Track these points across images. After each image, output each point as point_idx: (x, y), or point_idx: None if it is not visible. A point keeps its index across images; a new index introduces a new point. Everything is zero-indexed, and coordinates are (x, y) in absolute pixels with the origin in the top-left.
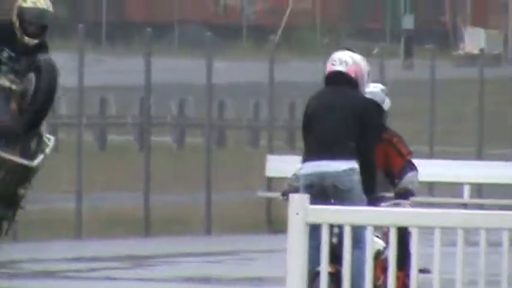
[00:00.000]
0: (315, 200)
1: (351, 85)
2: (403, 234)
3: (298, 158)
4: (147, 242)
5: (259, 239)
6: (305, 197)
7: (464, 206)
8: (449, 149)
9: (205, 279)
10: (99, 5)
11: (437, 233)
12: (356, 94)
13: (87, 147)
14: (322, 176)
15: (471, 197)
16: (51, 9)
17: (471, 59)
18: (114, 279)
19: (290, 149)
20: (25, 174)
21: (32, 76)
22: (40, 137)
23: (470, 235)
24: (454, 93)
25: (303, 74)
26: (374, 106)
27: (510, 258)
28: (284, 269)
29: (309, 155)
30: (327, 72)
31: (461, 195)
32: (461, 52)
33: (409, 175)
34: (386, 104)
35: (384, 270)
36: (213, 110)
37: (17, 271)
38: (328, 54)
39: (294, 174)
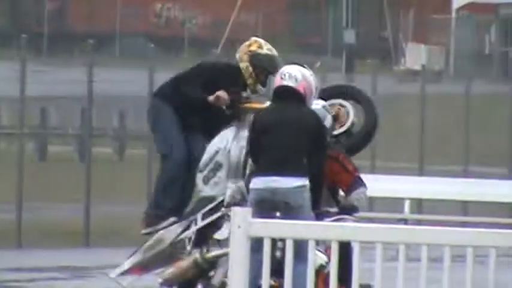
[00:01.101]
0: (263, 214)
1: (300, 101)
2: (346, 249)
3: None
4: (87, 252)
5: None
6: (247, 211)
7: (405, 221)
8: (390, 164)
9: None
10: (41, 15)
11: (379, 248)
12: (306, 110)
13: (27, 158)
14: (274, 191)
15: (411, 212)
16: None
17: (412, 75)
18: None
19: None
20: None
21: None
22: None
23: (411, 250)
24: (396, 109)
25: None
26: (322, 123)
27: (451, 274)
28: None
29: (260, 170)
30: (275, 86)
31: (401, 211)
32: (402, 67)
33: (358, 191)
34: (328, 121)
35: (327, 284)
36: None
37: None
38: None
39: (237, 187)
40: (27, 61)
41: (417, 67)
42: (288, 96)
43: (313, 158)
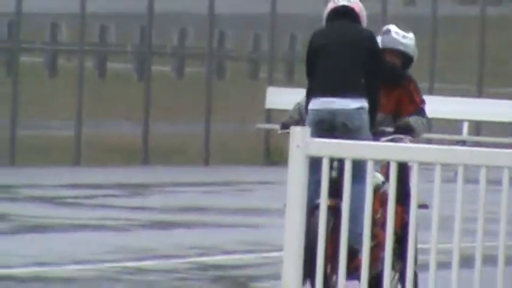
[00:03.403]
0: (321, 135)
1: (354, 20)
2: (403, 169)
3: (297, 91)
4: (145, 170)
5: (257, 170)
6: (306, 130)
7: (463, 142)
8: (449, 86)
9: (202, 209)
10: None
11: (438, 169)
12: (361, 28)
13: (86, 75)
14: (333, 113)
15: (470, 134)
16: None
17: None
18: (111, 207)
19: (289, 82)
20: None
21: None
22: None
23: (470, 172)
24: (455, 31)
25: (304, 7)
26: (376, 40)
27: (509, 197)
28: (281, 201)
29: (319, 91)
30: (328, 10)
31: (459, 132)
32: None
33: (416, 116)
34: (415, 55)
35: (382, 204)
36: (214, 41)
37: (14, 196)
38: None
39: (298, 104)
40: None
41: None
42: (343, 14)
43: (371, 77)
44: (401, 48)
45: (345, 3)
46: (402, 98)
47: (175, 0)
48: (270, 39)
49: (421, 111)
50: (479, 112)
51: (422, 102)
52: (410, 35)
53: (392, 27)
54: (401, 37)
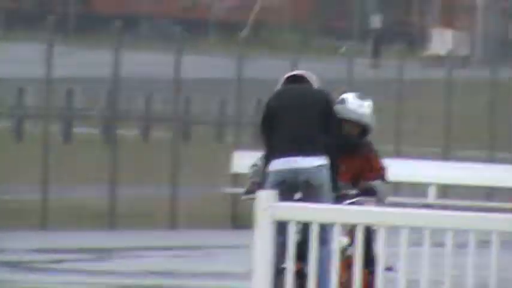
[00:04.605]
0: (283, 196)
1: (307, 82)
2: (367, 232)
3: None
4: (111, 234)
5: (224, 234)
6: (273, 194)
7: (430, 206)
8: (415, 149)
9: (169, 274)
10: None
11: (404, 233)
12: (319, 89)
13: (52, 139)
14: (296, 171)
15: (436, 197)
16: None
17: (438, 60)
18: (78, 271)
19: (255, 146)
20: None
21: None
22: None
23: (435, 236)
24: (421, 94)
25: (271, 71)
26: (331, 98)
27: (476, 260)
28: (247, 265)
29: (280, 151)
30: (283, 79)
31: (426, 196)
32: (428, 53)
33: (379, 181)
34: (372, 123)
35: (347, 267)
36: (180, 105)
37: None
38: (296, 51)
39: (255, 166)
40: (54, 43)
41: (443, 52)
42: (296, 79)
43: (330, 136)
44: (354, 117)
45: (297, 72)
46: (362, 167)
47: (142, 65)
48: (236, 104)
49: (383, 177)
50: (446, 175)
51: (383, 168)
52: (367, 103)
53: (349, 97)
54: (356, 106)
